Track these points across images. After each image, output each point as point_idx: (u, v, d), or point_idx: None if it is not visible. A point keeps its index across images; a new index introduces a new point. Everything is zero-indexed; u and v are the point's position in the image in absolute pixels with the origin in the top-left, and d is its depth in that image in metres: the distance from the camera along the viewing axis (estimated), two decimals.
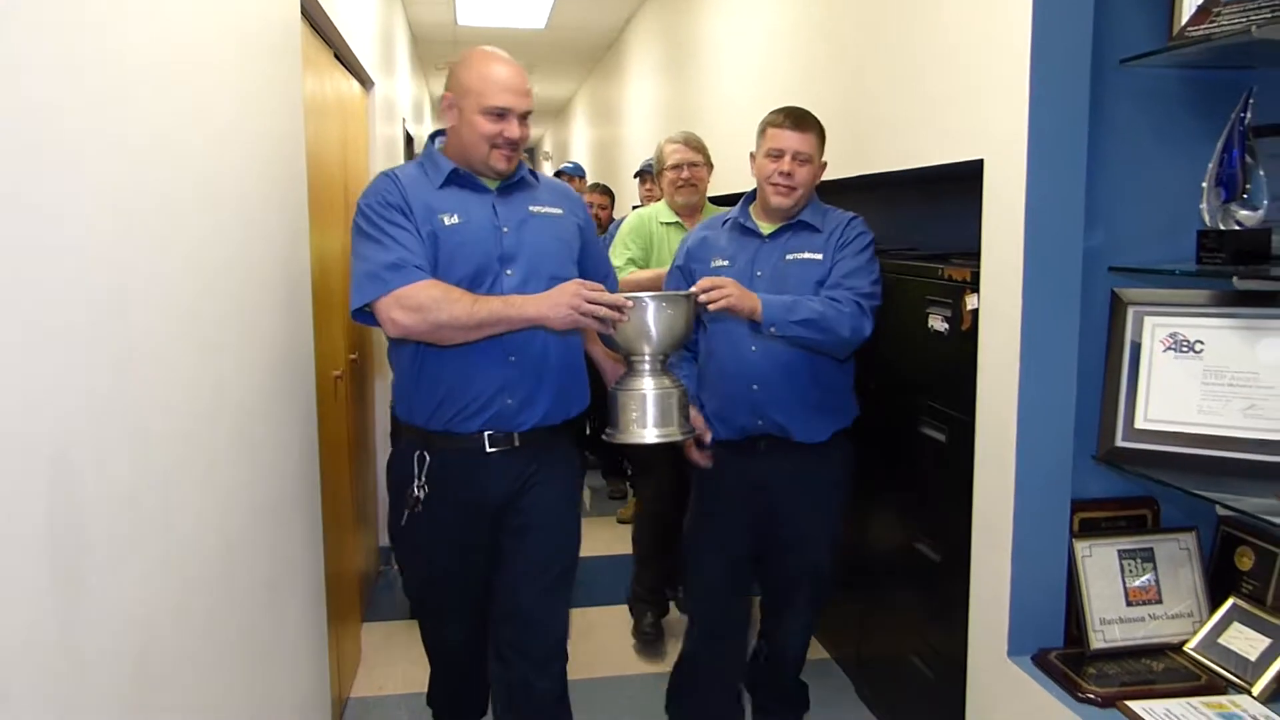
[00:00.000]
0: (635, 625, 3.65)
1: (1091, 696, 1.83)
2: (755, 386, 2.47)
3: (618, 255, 3.59)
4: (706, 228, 2.69)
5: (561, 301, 1.96)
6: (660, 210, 3.65)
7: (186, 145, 1.57)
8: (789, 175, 2.46)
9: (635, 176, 4.82)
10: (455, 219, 2.09)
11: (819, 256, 2.46)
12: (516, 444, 2.15)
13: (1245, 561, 2.04)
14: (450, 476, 2.15)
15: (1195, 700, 1.81)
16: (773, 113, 2.53)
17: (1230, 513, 1.76)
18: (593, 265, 2.32)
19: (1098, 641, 2.00)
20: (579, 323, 1.98)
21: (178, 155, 1.52)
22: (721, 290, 2.20)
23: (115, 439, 1.26)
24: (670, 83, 5.81)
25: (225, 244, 1.77)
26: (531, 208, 2.19)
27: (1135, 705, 1.79)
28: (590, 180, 6.95)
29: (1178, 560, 2.07)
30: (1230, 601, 1.99)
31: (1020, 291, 1.95)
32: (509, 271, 2.11)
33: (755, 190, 2.59)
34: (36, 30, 1.08)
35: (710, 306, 2.19)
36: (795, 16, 3.47)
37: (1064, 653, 2.01)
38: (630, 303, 2.01)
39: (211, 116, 1.71)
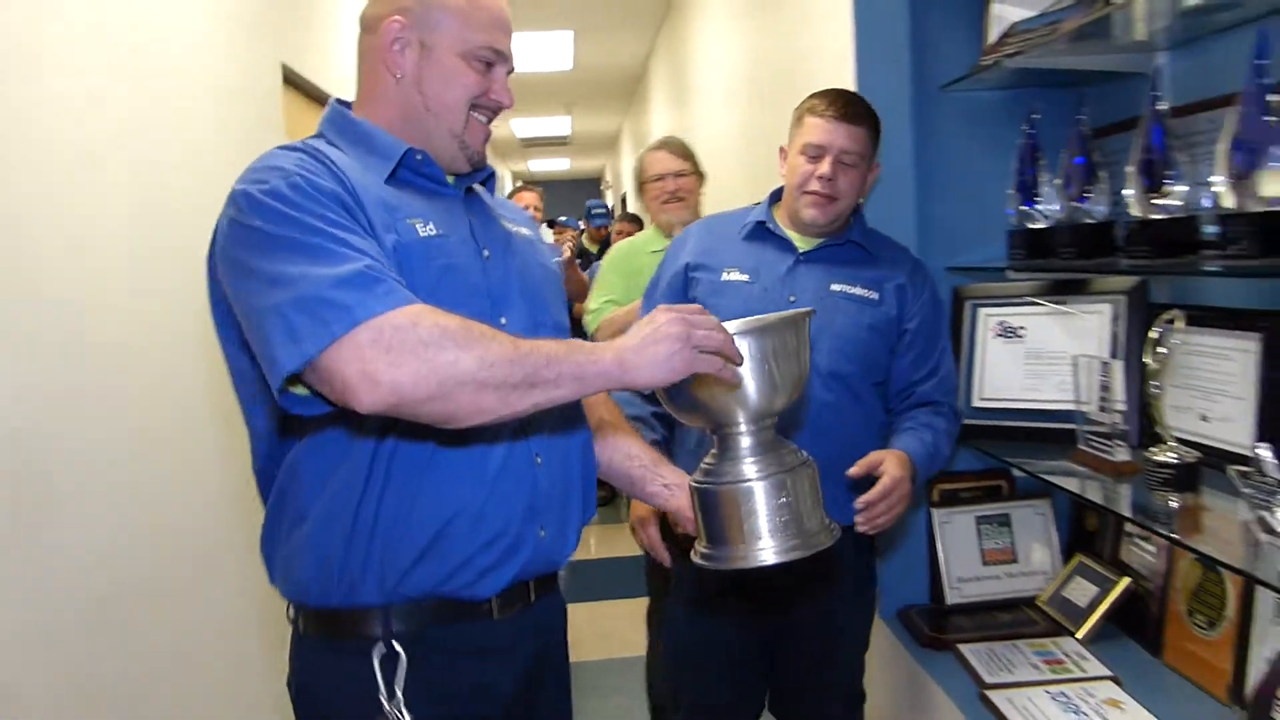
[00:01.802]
0: None
1: (927, 642, 2.10)
2: None
3: (596, 295, 2.95)
4: (709, 230, 2.07)
5: (669, 333, 1.14)
6: (649, 238, 3.03)
7: (168, 184, 2.00)
8: (829, 181, 1.88)
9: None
10: (432, 229, 1.29)
11: (874, 296, 1.93)
12: (532, 599, 1.37)
13: (1092, 522, 2.27)
14: (451, 678, 1.31)
15: (1021, 642, 2.07)
16: (816, 96, 1.93)
17: (1022, 475, 2.01)
18: None
19: (953, 598, 2.25)
20: (694, 368, 1.16)
21: (157, 191, 1.95)
22: (887, 504, 1.70)
23: (77, 429, 1.67)
24: (675, 111, 6.17)
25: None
26: (506, 224, 1.45)
27: (965, 648, 2.05)
28: (626, 210, 7.31)
29: (1033, 524, 2.31)
30: (1077, 559, 2.23)
31: None
32: (503, 320, 1.32)
33: (781, 190, 2.02)
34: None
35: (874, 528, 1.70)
36: (725, 52, 3.80)
37: (924, 609, 2.27)
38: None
39: (194, 162, 2.14)
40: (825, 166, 1.88)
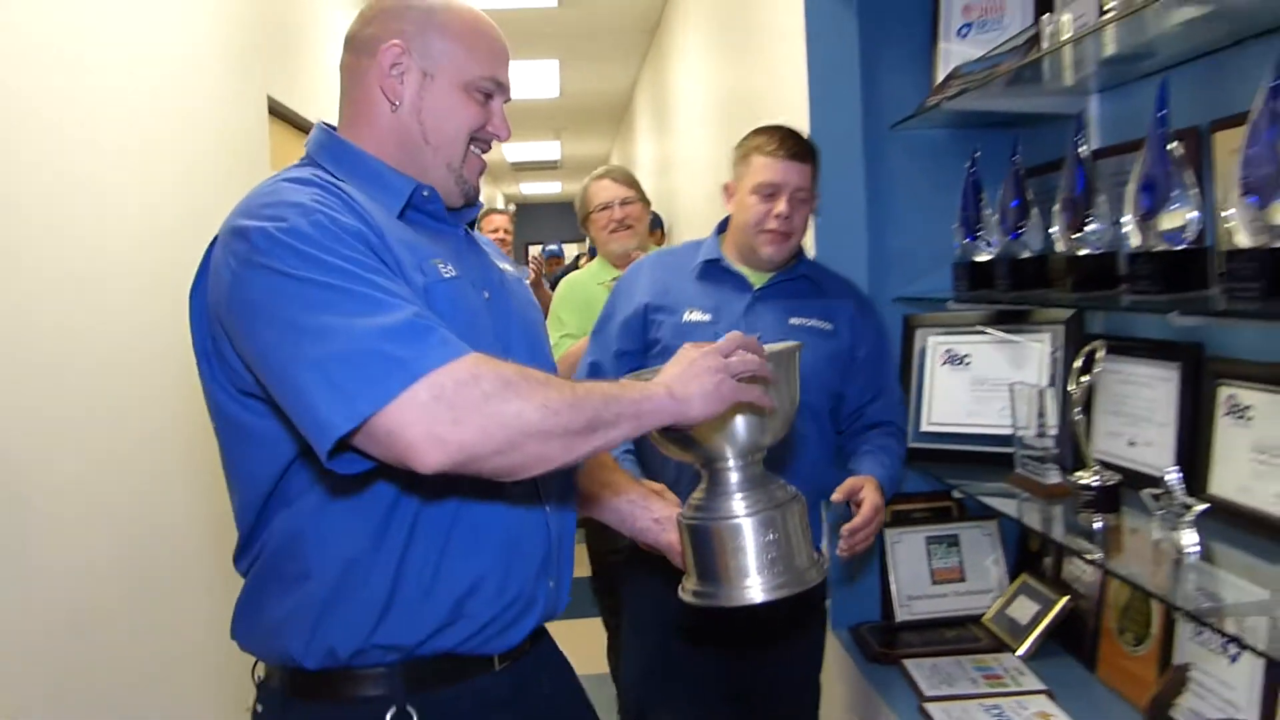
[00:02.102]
0: None
1: (875, 657, 2.18)
2: None
3: (551, 331, 2.71)
4: (660, 267, 2.08)
5: (707, 365, 1.16)
6: (596, 270, 3.00)
7: (159, 207, 2.09)
8: (786, 219, 1.92)
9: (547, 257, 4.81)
10: (451, 269, 1.25)
11: (829, 327, 1.99)
12: (527, 648, 1.33)
13: (1035, 544, 2.36)
14: None
15: (964, 658, 2.15)
16: (760, 134, 1.96)
17: (964, 496, 2.10)
18: None
19: (903, 614, 2.34)
20: (739, 396, 1.18)
21: (148, 214, 2.04)
22: (868, 531, 1.77)
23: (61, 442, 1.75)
24: (659, 137, 6.29)
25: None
26: (497, 263, 1.41)
27: (909, 663, 2.13)
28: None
29: (981, 544, 2.40)
30: (1022, 578, 2.31)
31: None
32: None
33: (725, 222, 2.06)
34: None
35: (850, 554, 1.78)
36: (700, 84, 3.91)
37: (875, 625, 2.35)
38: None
39: (185, 188, 2.23)
40: (781, 205, 1.91)
